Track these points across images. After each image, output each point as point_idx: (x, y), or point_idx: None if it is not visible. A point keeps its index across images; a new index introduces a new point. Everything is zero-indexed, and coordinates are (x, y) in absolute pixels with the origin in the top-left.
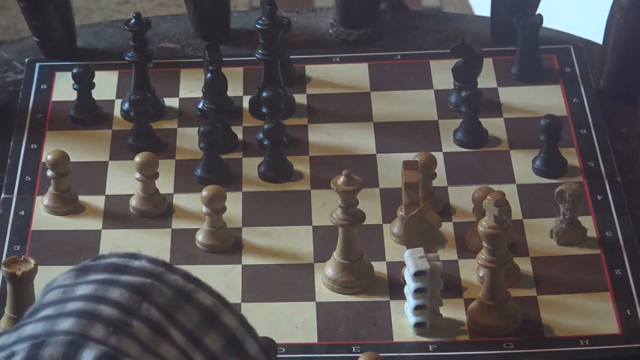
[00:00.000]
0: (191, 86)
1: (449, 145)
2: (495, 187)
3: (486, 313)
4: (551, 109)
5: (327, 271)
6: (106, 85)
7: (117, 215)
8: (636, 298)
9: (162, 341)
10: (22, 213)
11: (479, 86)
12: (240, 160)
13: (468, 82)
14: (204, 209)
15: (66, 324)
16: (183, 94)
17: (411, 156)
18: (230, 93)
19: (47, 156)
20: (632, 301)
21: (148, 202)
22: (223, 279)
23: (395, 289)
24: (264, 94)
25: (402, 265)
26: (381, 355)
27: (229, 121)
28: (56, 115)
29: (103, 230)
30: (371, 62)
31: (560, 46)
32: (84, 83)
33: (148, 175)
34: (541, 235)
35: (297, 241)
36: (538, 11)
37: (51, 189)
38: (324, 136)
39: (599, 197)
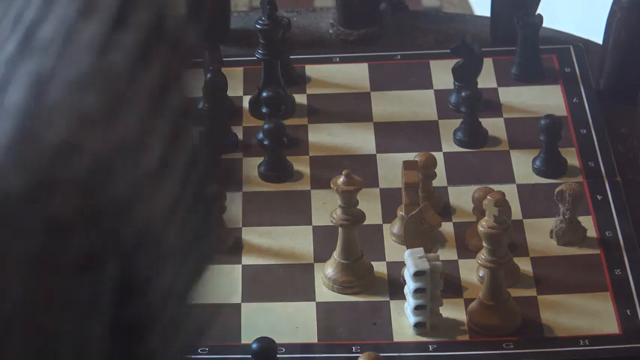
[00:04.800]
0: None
1: (449, 145)
2: (495, 187)
3: (486, 313)
4: (551, 109)
5: (327, 271)
6: None
7: None
8: (636, 298)
9: None
10: None
11: (479, 86)
12: (240, 160)
13: (468, 82)
14: None
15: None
16: None
17: (411, 156)
18: (230, 93)
19: None
20: (632, 301)
21: None
22: (223, 279)
23: (395, 289)
24: (264, 94)
25: (402, 265)
26: (381, 355)
27: (229, 121)
28: None
29: None
30: (371, 62)
31: (560, 46)
32: None
33: None
34: (541, 235)
35: (297, 241)
36: (538, 11)
37: None
38: (324, 136)
39: (599, 197)
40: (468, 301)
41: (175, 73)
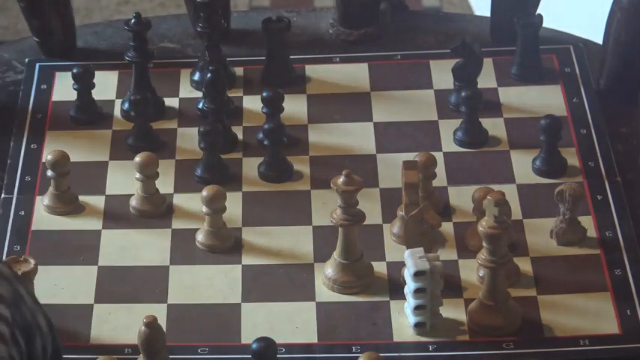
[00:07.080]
0: (191, 86)
1: (449, 145)
2: (495, 187)
3: (486, 313)
4: (551, 109)
5: (327, 271)
6: (106, 85)
7: (117, 215)
8: (636, 298)
9: None
10: (22, 213)
11: (479, 86)
12: (240, 160)
13: (468, 82)
14: (204, 209)
15: None
16: (183, 94)
17: (411, 156)
18: (230, 93)
19: (47, 156)
20: (632, 301)
21: (148, 202)
22: (223, 279)
23: (395, 289)
24: (264, 94)
25: (402, 265)
26: (381, 355)
27: (229, 121)
28: (56, 115)
29: (103, 230)
30: (371, 62)
31: (560, 46)
32: (84, 83)
33: (148, 175)
34: (541, 235)
35: (297, 241)
36: (538, 11)
37: (51, 189)
38: (324, 136)
39: (599, 197)
40: (468, 301)
41: None
